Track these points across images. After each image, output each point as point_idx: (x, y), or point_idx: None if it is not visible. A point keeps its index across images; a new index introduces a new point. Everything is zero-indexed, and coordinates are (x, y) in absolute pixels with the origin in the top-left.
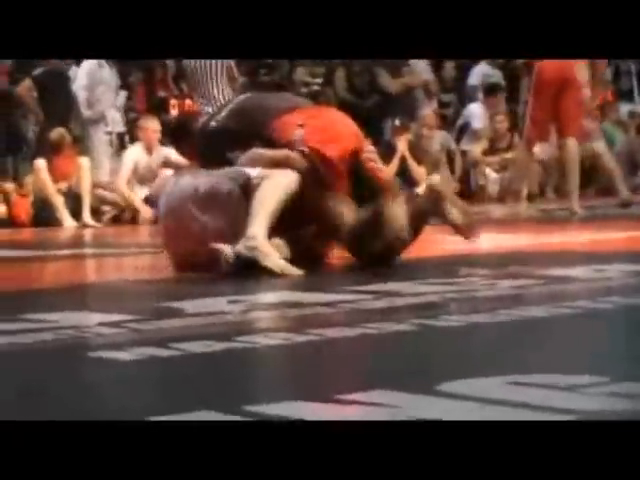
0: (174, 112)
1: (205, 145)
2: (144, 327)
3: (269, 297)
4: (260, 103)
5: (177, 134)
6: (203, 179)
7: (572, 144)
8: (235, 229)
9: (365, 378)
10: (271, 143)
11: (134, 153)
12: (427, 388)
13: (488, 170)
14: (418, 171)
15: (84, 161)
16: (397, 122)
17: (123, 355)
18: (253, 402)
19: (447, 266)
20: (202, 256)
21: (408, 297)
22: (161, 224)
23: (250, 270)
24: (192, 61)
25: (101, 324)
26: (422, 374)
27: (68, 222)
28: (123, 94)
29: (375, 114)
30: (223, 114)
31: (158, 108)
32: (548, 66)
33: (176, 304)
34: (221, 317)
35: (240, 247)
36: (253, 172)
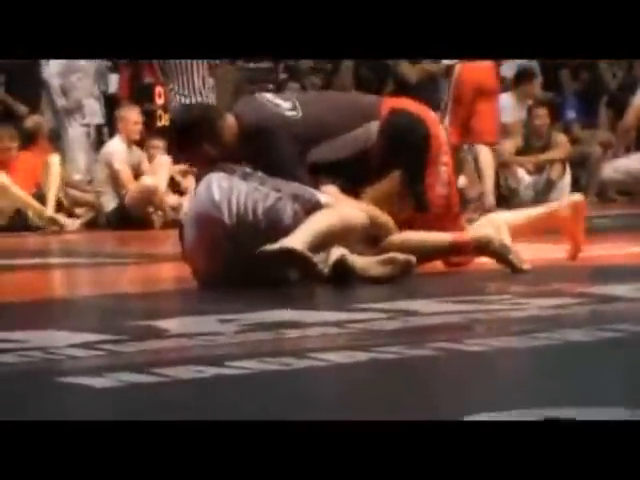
0: (160, 101)
1: (286, 141)
2: (122, 349)
3: (267, 315)
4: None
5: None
6: (260, 192)
7: (484, 152)
8: None
9: (375, 410)
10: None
11: (119, 150)
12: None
13: (521, 172)
14: None
15: (53, 159)
16: None
17: (98, 381)
18: None
19: (473, 282)
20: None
21: (427, 317)
22: (193, 232)
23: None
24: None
25: (73, 345)
26: (442, 406)
27: (64, 221)
28: (114, 79)
29: None
30: (299, 104)
31: (142, 96)
32: (467, 70)
33: (159, 323)
34: (211, 338)
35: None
36: (323, 198)
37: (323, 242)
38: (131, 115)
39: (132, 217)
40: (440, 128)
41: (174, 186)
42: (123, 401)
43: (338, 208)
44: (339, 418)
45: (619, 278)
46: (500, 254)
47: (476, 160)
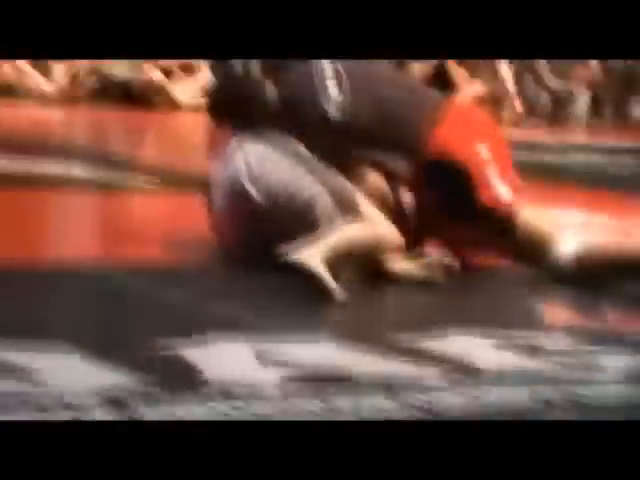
0: None
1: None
2: None
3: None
4: (400, 97)
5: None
6: (305, 180)
7: None
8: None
9: None
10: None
11: None
12: None
13: None
14: None
15: None
16: None
17: None
18: None
19: None
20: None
21: None
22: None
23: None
24: None
25: None
26: None
27: None
28: None
29: None
30: (349, 100)
31: None
32: None
33: None
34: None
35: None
36: (364, 206)
37: (348, 257)
38: None
39: None
40: (482, 155)
41: None
42: None
43: (374, 223)
44: None
45: None
46: None
47: None
